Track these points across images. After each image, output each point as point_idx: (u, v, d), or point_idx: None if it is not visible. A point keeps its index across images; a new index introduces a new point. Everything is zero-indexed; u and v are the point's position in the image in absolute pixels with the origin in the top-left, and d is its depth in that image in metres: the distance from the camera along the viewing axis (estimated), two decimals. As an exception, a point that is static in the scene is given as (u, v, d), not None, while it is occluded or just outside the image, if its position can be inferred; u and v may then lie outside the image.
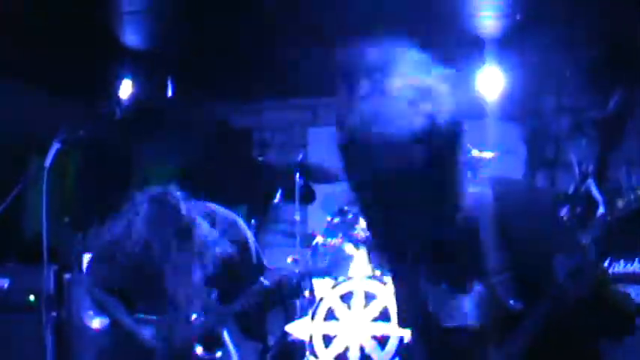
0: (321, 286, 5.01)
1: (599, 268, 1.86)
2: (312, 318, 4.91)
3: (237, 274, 3.62)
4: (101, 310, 3.62)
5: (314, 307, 4.94)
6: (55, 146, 3.07)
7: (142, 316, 3.58)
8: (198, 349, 3.53)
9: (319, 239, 5.36)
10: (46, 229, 2.98)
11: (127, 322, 3.52)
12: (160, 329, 3.51)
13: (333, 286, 4.94)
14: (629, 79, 5.54)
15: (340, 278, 4.96)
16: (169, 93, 6.75)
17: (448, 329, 2.00)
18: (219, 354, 3.58)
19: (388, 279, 4.64)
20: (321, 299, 4.95)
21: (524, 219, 1.90)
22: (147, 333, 3.51)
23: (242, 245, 3.73)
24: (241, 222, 3.84)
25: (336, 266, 5.10)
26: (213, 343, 3.59)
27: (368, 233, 5.17)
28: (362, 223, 5.25)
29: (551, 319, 1.83)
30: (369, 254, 5.06)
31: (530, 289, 1.86)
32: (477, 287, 1.93)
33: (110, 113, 3.49)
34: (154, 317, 3.55)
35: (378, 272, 4.94)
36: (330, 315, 4.89)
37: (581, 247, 1.90)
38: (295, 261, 5.37)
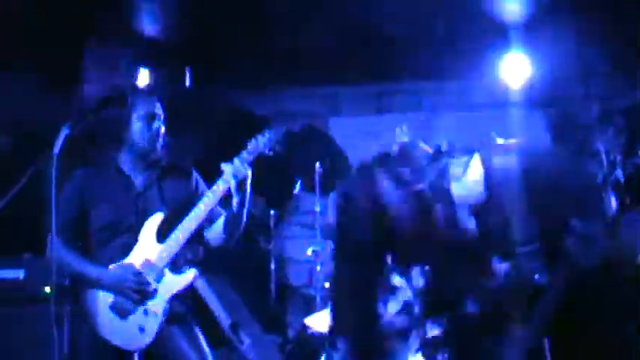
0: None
1: (622, 241, 1.77)
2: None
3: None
4: (66, 268, 3.51)
5: (333, 300, 4.85)
6: (64, 132, 2.97)
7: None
8: (168, 275, 3.45)
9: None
10: (55, 217, 2.89)
11: (93, 273, 3.43)
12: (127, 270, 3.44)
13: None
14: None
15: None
16: (187, 82, 6.68)
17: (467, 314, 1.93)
18: (189, 272, 3.49)
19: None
20: (340, 291, 4.85)
21: (551, 187, 1.82)
22: (113, 277, 3.42)
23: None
24: None
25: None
26: (180, 264, 3.51)
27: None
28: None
29: (571, 292, 1.74)
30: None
31: (555, 260, 1.78)
32: (503, 265, 1.85)
33: (121, 99, 3.37)
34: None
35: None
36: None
37: (600, 215, 1.83)
38: (315, 253, 5.28)
